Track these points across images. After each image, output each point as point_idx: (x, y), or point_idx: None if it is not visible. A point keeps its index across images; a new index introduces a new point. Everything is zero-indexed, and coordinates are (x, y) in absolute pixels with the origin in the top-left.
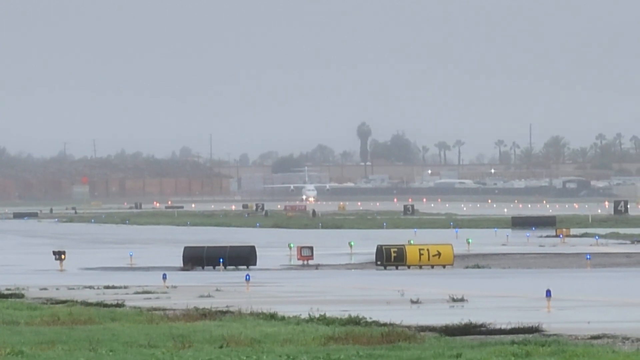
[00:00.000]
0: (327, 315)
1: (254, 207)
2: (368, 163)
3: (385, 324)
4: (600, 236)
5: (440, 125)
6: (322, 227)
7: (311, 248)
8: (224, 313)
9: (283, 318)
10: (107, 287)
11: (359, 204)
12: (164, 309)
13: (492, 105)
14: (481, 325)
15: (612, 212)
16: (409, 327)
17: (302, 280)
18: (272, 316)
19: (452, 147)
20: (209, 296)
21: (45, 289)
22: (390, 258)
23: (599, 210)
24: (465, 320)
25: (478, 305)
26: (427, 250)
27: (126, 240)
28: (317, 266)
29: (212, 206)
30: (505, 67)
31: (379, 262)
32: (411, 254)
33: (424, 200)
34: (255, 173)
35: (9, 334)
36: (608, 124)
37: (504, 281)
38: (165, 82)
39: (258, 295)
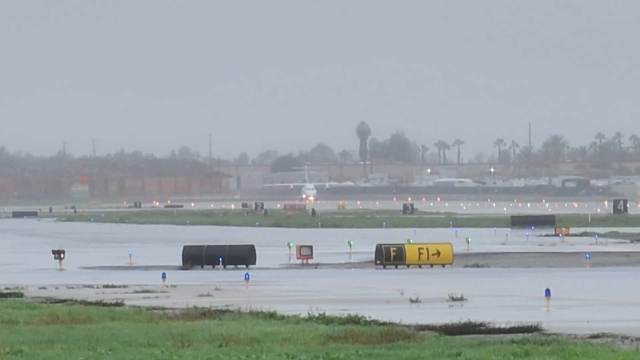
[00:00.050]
0: (327, 314)
1: (254, 206)
2: (367, 162)
3: (384, 323)
4: (600, 235)
5: (440, 125)
6: (322, 226)
7: (310, 247)
8: (223, 312)
9: (282, 317)
10: (107, 286)
11: (359, 203)
12: (164, 308)
13: (491, 104)
14: (480, 325)
15: (612, 211)
16: (408, 326)
17: (301, 279)
18: (272, 315)
19: (451, 146)
20: (208, 295)
21: (44, 288)
22: (389, 257)
23: (599, 210)
24: (464, 320)
25: (477, 305)
26: (427, 249)
27: (125, 239)
28: (316, 265)
29: (212, 205)
30: (505, 66)
31: (378, 261)
32: (410, 253)
33: (424, 199)
34: (254, 172)
35: (8, 333)
36: (607, 123)
37: (504, 280)
38: (165, 81)
39: (257, 294)
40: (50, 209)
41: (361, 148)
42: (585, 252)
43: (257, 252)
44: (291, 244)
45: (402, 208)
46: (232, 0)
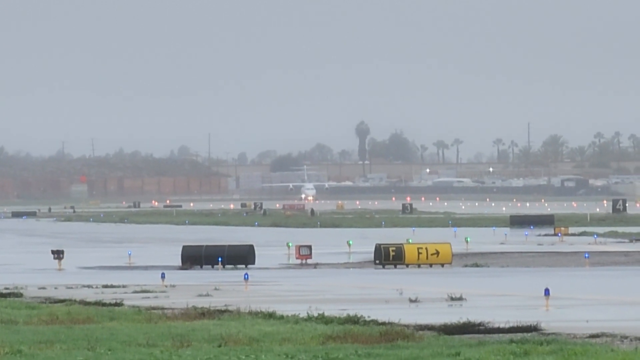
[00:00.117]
0: (326, 314)
1: (253, 206)
2: (366, 162)
3: (383, 323)
4: (599, 235)
5: (439, 124)
6: (321, 226)
7: (310, 247)
8: (222, 312)
9: (281, 317)
10: (106, 286)
11: (358, 202)
12: (163, 308)
13: (490, 104)
14: (480, 324)
15: (611, 211)
16: (407, 326)
17: (300, 279)
18: (271, 315)
19: (450, 145)
20: (207, 295)
21: (43, 288)
22: (388, 257)
23: (598, 209)
24: (463, 319)
25: (476, 304)
26: (426, 249)
27: (125, 239)
28: (315, 265)
29: (211, 205)
30: (504, 66)
31: (377, 261)
32: (410, 252)
33: (423, 199)
34: (253, 172)
35: (7, 333)
36: (606, 122)
37: (503, 280)
38: (164, 81)
39: (256, 294)
40: (50, 209)
41: (360, 148)
42: (585, 252)
43: (256, 252)
44: (290, 244)
45: (401, 208)
46: (232, 0)
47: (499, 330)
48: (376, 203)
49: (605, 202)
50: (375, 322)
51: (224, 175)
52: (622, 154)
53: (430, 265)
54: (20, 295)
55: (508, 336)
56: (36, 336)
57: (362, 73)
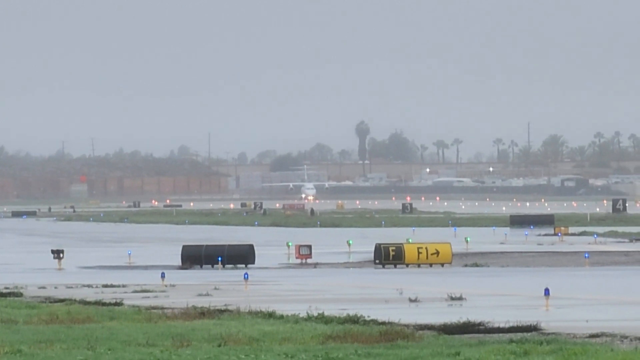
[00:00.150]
0: (326, 313)
1: (252, 206)
2: (366, 161)
3: (383, 323)
4: (599, 234)
5: (439, 124)
6: (321, 226)
7: (309, 247)
8: (222, 312)
9: (281, 317)
10: (106, 286)
11: (358, 202)
12: (163, 308)
13: (490, 103)
14: (479, 324)
15: (611, 211)
16: (407, 325)
17: (300, 278)
18: (271, 315)
19: (450, 145)
20: (207, 295)
21: (43, 287)
22: (388, 257)
23: (598, 209)
24: (463, 319)
25: (476, 304)
26: (426, 248)
27: (124, 238)
28: (315, 265)
29: (211, 205)
30: (504, 65)
31: (377, 261)
32: (409, 252)
33: (423, 198)
34: (253, 171)
35: (7, 333)
36: (606, 122)
37: (503, 280)
38: (164, 81)
39: (256, 293)
40: (49, 209)
41: (360, 147)
42: (584, 252)
43: (256, 252)
44: (290, 244)
45: (401, 207)
46: (232, 0)
47: (499, 330)
48: (376, 203)
49: (605, 201)
50: (375, 322)
51: (224, 175)
52: (622, 154)
53: (430, 265)
54: (20, 294)
55: (508, 336)
56: (36, 336)
57: (362, 73)
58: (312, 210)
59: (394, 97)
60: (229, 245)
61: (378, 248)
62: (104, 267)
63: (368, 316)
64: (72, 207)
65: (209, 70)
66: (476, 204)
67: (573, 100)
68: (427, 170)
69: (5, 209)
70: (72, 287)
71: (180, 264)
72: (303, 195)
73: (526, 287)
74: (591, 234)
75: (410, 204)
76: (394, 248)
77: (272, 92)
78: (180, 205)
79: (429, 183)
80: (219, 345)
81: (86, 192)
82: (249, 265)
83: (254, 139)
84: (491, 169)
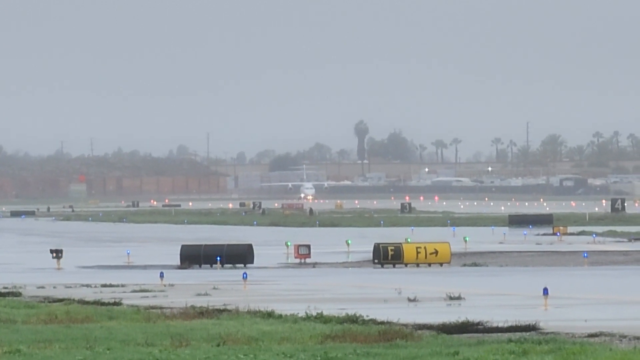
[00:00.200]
0: (325, 313)
1: (251, 206)
2: (365, 161)
3: (382, 322)
4: (598, 234)
5: (438, 124)
6: (320, 226)
7: (308, 246)
8: (221, 311)
9: (280, 316)
10: (105, 286)
11: (356, 202)
12: (162, 308)
13: (489, 103)
14: (478, 324)
15: (609, 210)
16: (406, 325)
17: (299, 278)
18: (270, 314)
19: (449, 145)
20: (206, 294)
21: (42, 287)
22: (387, 256)
23: (596, 208)
24: (462, 319)
25: (475, 304)
26: (425, 248)
27: (123, 238)
28: (314, 264)
29: (209, 204)
30: (503, 65)
31: (376, 260)
32: (408, 252)
33: (421, 198)
34: (252, 171)
35: (6, 333)
36: (605, 122)
37: (501, 279)
38: (163, 81)
39: (255, 293)
40: (48, 208)
41: (359, 147)
42: (583, 251)
43: (255, 251)
44: (289, 243)
45: (399, 207)
46: (232, 0)
47: (498, 330)
48: (375, 202)
49: (604, 201)
50: (374, 322)
51: (222, 175)
52: (620, 154)
53: (429, 264)
54: (19, 294)
55: (507, 335)
56: (35, 335)
57: (361, 73)
58: (310, 210)
59: (393, 97)
60: (228, 245)
61: (377, 248)
62: (102, 266)
63: (367, 316)
64: (71, 206)
65: (207, 70)
66: (475, 203)
67: (572, 100)
68: (426, 170)
69: (4, 208)
70: (70, 287)
71: (179, 263)
72: (302, 195)
73: (525, 287)
74: (590, 233)
75: (409, 204)
76: (392, 248)
77: (271, 91)
78: (179, 205)
79: (428, 183)
80: (218, 345)
81: (85, 192)
82: (248, 265)
83: (253, 138)
84: (490, 168)
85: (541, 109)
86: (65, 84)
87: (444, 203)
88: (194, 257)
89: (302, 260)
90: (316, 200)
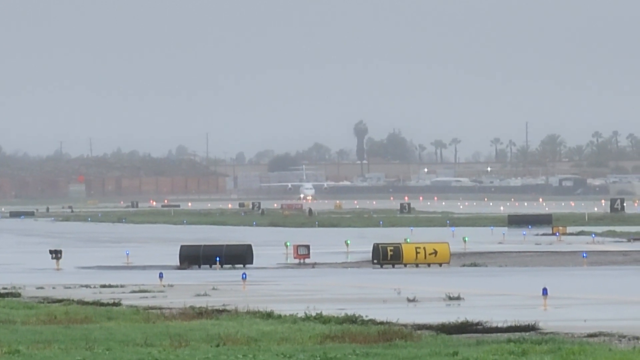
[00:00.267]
0: (324, 313)
1: (250, 206)
2: (364, 161)
3: (381, 323)
4: (597, 234)
5: (437, 124)
6: (319, 226)
7: (308, 247)
8: (220, 312)
9: (279, 316)
10: (104, 286)
11: (356, 202)
12: (161, 308)
13: (488, 103)
14: (477, 324)
15: (609, 210)
16: (405, 325)
17: (298, 278)
18: (269, 315)
19: (448, 145)
20: (205, 295)
21: (41, 288)
22: (386, 256)
23: (596, 208)
24: (461, 319)
25: (474, 304)
26: (424, 248)
27: (122, 239)
28: (313, 265)
29: (209, 205)
30: (502, 65)
31: (375, 261)
32: (407, 252)
33: (421, 198)
34: (251, 171)
35: (5, 333)
36: (604, 122)
37: (501, 279)
38: (162, 81)
39: (254, 293)
40: (47, 209)
41: (358, 147)
42: (582, 251)
43: (254, 252)
44: (288, 244)
45: (399, 207)
46: (232, 0)
47: (497, 330)
48: (374, 203)
49: (603, 201)
50: (373, 322)
51: (222, 175)
52: (620, 154)
53: (428, 264)
54: (18, 295)
55: (506, 335)
56: (34, 336)
57: (360, 73)
58: (310, 210)
59: (392, 97)
60: (227, 245)
61: (376, 248)
62: (102, 267)
63: (366, 316)
64: (70, 207)
65: (207, 70)
66: (474, 203)
67: (571, 99)
68: (425, 170)
69: (3, 209)
70: (70, 288)
71: (178, 264)
72: (302, 195)
73: (524, 287)
74: (589, 233)
75: (408, 204)
76: (392, 248)
77: (270, 92)
78: (178, 205)
79: (427, 183)
80: (217, 346)
81: (84, 192)
82: (247, 265)
83: (252, 139)
84: (489, 168)
85: (540, 109)
86: (65, 84)
87: (443, 203)
88: (193, 257)
89: (302, 261)
90: (315, 201)
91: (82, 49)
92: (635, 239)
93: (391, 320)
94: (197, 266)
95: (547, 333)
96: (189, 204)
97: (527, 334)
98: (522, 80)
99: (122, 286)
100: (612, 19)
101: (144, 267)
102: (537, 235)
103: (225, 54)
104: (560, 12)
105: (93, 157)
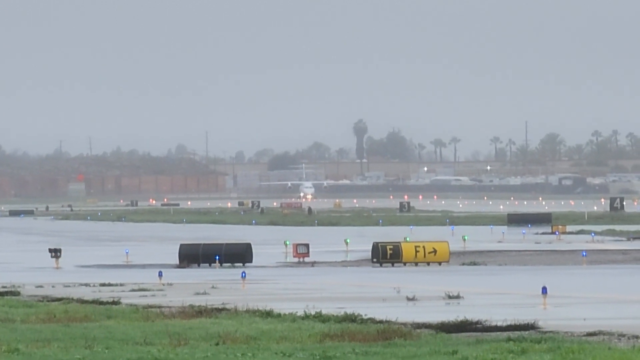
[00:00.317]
0: (323, 312)
1: (250, 205)
2: (364, 160)
3: (381, 321)
4: (596, 233)
5: (436, 123)
6: (318, 225)
7: (307, 245)
8: (219, 310)
9: (279, 315)
10: (103, 285)
11: (355, 201)
12: (160, 307)
13: (488, 102)
14: (477, 322)
15: (608, 209)
16: (404, 324)
17: (298, 277)
18: (268, 313)
19: (447, 144)
20: (204, 293)
21: (41, 286)
22: (386, 255)
23: (595, 207)
24: (461, 317)
25: (474, 302)
26: (423, 247)
27: (122, 237)
28: (313, 263)
29: (208, 203)
30: (501, 64)
31: (374, 260)
32: (407, 251)
33: (420, 197)
34: (251, 170)
35: (4, 332)
36: (604, 121)
37: (500, 278)
38: (161, 79)
39: (254, 292)
40: (47, 208)
41: (358, 146)
42: (582, 250)
43: (253, 251)
44: (288, 242)
45: (398, 206)
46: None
47: (497, 329)
48: (374, 201)
49: (602, 200)
50: (372, 321)
51: (221, 174)
52: (619, 153)
53: (428, 263)
54: (17, 293)
55: (505, 334)
56: (33, 334)
57: (360, 72)
58: (309, 209)
59: (392, 96)
60: (227, 244)
61: (376, 247)
62: (101, 265)
63: (365, 315)
64: (69, 206)
65: (206, 69)
66: (474, 202)
67: (571, 98)
68: (425, 169)
69: (2, 207)
70: (69, 286)
71: (177, 262)
72: (301, 194)
73: (524, 286)
74: (589, 232)
75: (408, 203)
76: (391, 247)
77: (270, 91)
78: (178, 204)
79: (427, 182)
80: (217, 344)
81: (84, 191)
82: (247, 264)
83: (251, 137)
84: (489, 167)
85: (540, 108)
86: (64, 83)
87: (443, 202)
88: (193, 256)
89: (301, 259)
90: (315, 199)
91: (81, 48)
92: (634, 238)
93: (390, 319)
94: (196, 265)
95: (546, 332)
96: (189, 203)
97: (527, 332)
98: (522, 80)
99: (121, 285)
100: (612, 19)
101: (143, 266)
102: (536, 234)
103: (225, 53)
104: (560, 12)
105: (93, 156)
